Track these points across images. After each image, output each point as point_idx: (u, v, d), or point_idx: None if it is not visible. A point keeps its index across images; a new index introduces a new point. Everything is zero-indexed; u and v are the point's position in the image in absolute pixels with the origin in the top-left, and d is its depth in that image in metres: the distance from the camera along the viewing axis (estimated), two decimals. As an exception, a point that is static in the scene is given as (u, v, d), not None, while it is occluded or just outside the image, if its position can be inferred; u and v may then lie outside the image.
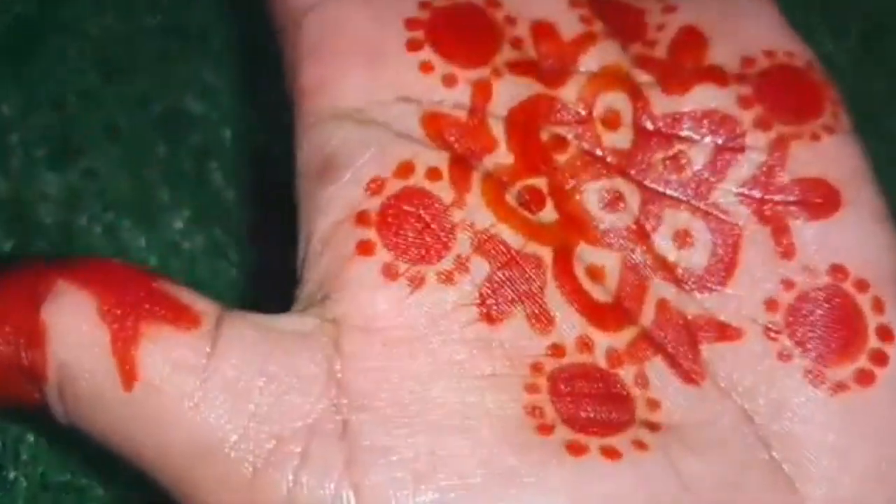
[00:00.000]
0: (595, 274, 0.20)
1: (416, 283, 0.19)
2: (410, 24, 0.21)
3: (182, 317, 0.18)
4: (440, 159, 0.20)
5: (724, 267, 0.20)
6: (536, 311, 0.19)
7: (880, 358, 0.19)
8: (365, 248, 0.19)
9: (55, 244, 0.28)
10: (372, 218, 0.19)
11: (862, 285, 0.20)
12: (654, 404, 0.19)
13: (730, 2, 0.23)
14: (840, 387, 0.19)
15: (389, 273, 0.19)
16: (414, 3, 0.21)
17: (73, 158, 0.30)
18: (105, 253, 0.28)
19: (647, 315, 0.20)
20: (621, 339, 0.19)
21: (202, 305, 0.18)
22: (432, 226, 0.19)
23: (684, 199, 0.21)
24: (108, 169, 0.30)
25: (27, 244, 0.28)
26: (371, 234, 0.19)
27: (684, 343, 0.19)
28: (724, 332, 0.20)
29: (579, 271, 0.20)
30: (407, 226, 0.19)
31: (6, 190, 0.29)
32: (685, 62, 0.22)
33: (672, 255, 0.20)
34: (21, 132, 0.30)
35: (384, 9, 0.21)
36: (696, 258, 0.20)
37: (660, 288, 0.20)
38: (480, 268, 0.19)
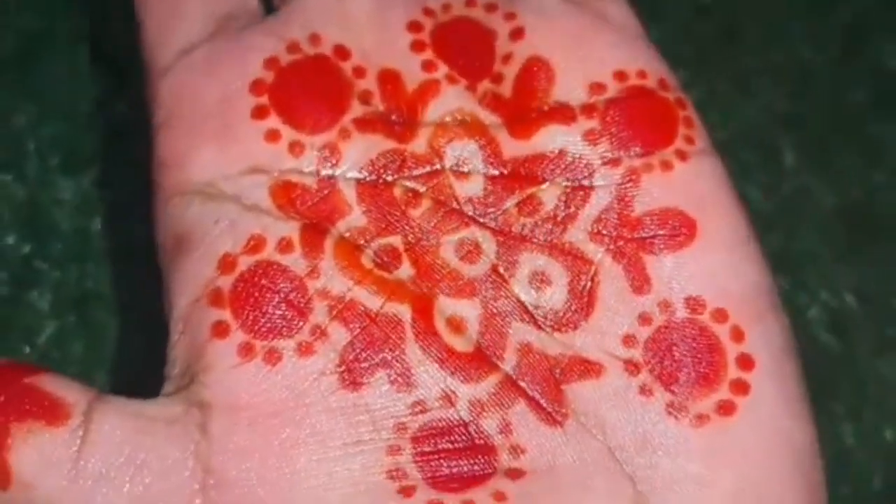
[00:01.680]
0: (456, 325, 0.20)
1: (274, 358, 0.19)
2: (255, 87, 0.20)
3: (52, 412, 0.18)
4: (291, 230, 0.20)
5: (582, 305, 0.20)
6: (398, 371, 0.19)
7: (741, 387, 0.19)
8: (220, 329, 0.19)
9: (72, 247, 0.29)
10: (225, 297, 0.19)
11: (720, 315, 0.20)
12: (518, 450, 0.19)
13: (586, 21, 0.22)
14: (702, 419, 0.19)
15: (246, 352, 0.19)
16: (259, 62, 0.21)
17: (86, 165, 0.30)
18: (120, 256, 0.29)
19: (510, 360, 0.19)
20: (484, 387, 0.19)
21: (74, 396, 0.18)
22: (286, 299, 0.19)
23: (539, 241, 0.20)
24: (121, 175, 0.30)
25: (44, 247, 0.29)
26: (225, 314, 0.19)
27: (547, 384, 0.19)
28: (586, 369, 0.19)
29: (440, 324, 0.20)
30: (260, 302, 0.19)
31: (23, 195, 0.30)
32: (531, 101, 0.21)
33: (530, 297, 0.20)
34: (35, 140, 0.31)
35: (230, 73, 0.21)
36: (554, 298, 0.20)
37: (521, 332, 0.20)
38: (340, 335, 0.19)
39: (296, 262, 0.19)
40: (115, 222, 0.30)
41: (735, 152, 0.28)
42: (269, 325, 0.19)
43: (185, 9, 0.22)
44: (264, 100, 0.20)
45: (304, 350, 0.19)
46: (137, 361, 0.28)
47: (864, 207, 0.33)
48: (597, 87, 0.21)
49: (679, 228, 0.20)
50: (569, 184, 0.21)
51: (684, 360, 0.19)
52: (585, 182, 0.21)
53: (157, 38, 0.22)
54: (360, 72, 0.21)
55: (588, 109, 0.21)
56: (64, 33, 0.32)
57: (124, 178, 0.29)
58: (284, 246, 0.19)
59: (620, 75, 0.21)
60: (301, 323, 0.19)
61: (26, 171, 0.30)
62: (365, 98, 0.21)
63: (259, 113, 0.20)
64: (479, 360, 0.19)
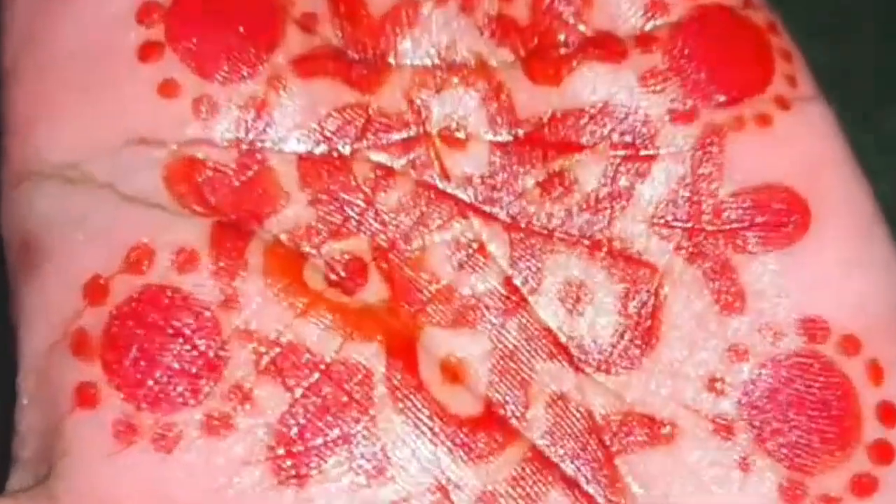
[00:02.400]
0: (453, 372, 0.15)
1: (170, 442, 0.14)
2: (143, 12, 0.15)
3: None
4: (196, 233, 0.15)
5: (641, 333, 0.15)
6: (365, 453, 0.14)
7: (884, 452, 0.15)
8: (86, 394, 0.14)
9: None
10: (93, 342, 0.14)
11: (850, 345, 0.15)
12: None
13: None
14: (829, 502, 0.15)
15: (126, 433, 0.14)
16: None
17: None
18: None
19: (537, 423, 0.15)
20: (499, 469, 0.15)
21: None
22: (189, 345, 0.14)
23: (573, 238, 0.16)
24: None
25: None
26: (94, 370, 0.14)
27: (594, 458, 0.15)
28: (651, 432, 0.15)
29: (428, 373, 0.15)
30: (147, 352, 0.14)
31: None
32: (559, 27, 0.16)
33: (562, 322, 0.15)
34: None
35: None
36: (598, 324, 0.15)
37: (550, 376, 0.15)
38: (274, 399, 0.14)
39: (204, 283, 0.15)
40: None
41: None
42: (161, 388, 0.14)
43: None
44: (157, 32, 0.15)
45: (218, 426, 0.14)
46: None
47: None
48: (657, 6, 0.16)
49: (786, 214, 0.16)
50: (618, 152, 0.16)
51: (800, 414, 0.15)
52: (643, 148, 0.16)
53: None
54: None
55: (645, 40, 0.16)
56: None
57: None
58: (186, 258, 0.15)
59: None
60: (212, 383, 0.14)
61: None
62: (307, 23, 0.16)
63: (147, 52, 0.15)
64: (491, 426, 0.15)
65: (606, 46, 0.16)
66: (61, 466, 0.14)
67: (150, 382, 0.14)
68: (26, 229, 0.15)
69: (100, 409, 0.14)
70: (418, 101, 0.16)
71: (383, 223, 0.15)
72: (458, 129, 0.16)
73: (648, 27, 0.17)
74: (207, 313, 0.14)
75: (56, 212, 0.15)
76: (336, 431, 0.14)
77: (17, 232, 0.16)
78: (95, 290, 0.14)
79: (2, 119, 0.17)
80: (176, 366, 0.14)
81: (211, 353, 0.14)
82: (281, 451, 0.14)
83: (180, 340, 0.14)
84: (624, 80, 0.16)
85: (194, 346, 0.14)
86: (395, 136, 0.16)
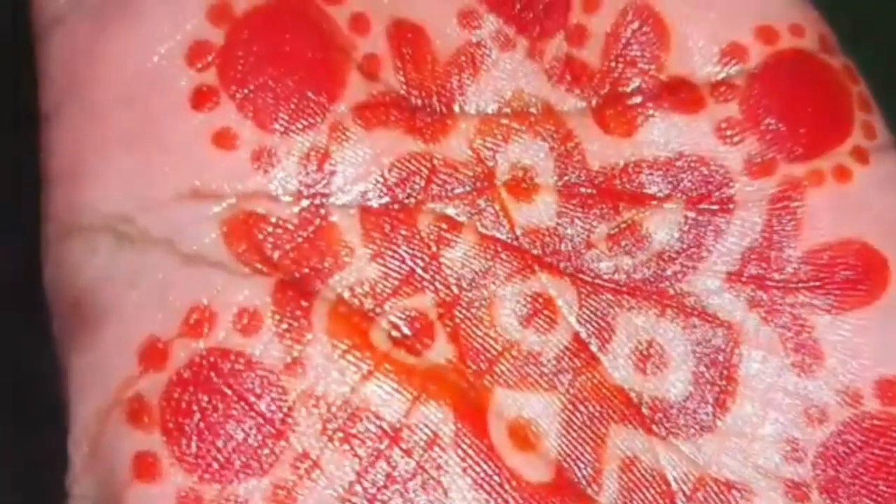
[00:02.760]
0: (523, 437, 0.15)
1: None
2: (195, 53, 0.15)
3: None
4: (259, 292, 0.14)
5: (717, 394, 0.15)
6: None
7: None
8: (145, 466, 0.14)
9: None
10: (152, 411, 0.14)
11: None
12: None
13: None
14: None
15: None
16: (200, 11, 0.15)
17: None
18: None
19: (608, 488, 0.15)
20: None
21: None
22: (253, 413, 0.14)
23: (644, 293, 0.15)
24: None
25: None
26: (154, 440, 0.14)
27: None
28: (724, 497, 0.15)
29: (498, 436, 0.14)
30: (211, 420, 0.14)
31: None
32: (632, 73, 0.16)
33: (634, 382, 0.15)
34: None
35: (154, 28, 0.15)
36: (672, 384, 0.15)
37: (621, 438, 0.15)
38: (341, 468, 0.14)
39: (267, 346, 0.14)
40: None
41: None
42: (225, 458, 0.14)
43: None
44: (210, 75, 0.15)
45: (284, 496, 0.14)
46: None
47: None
48: (734, 52, 0.16)
49: (864, 273, 0.16)
50: (694, 202, 0.15)
51: (877, 478, 0.15)
52: (719, 202, 0.16)
53: None
54: (361, 23, 0.16)
55: (721, 88, 0.16)
56: None
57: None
58: (248, 321, 0.14)
59: (767, 33, 0.16)
60: (276, 456, 0.14)
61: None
62: (370, 68, 0.15)
63: (200, 99, 0.15)
64: (563, 492, 0.15)
65: (682, 95, 0.16)
66: None
67: (214, 452, 0.14)
68: (77, 287, 0.15)
69: (162, 481, 0.14)
70: (484, 151, 0.15)
71: (448, 278, 0.15)
72: (525, 180, 0.16)
73: (724, 74, 0.16)
74: (272, 377, 0.14)
75: (108, 269, 0.15)
76: (408, 496, 0.14)
77: (65, 290, 0.16)
78: (153, 355, 0.14)
79: (41, 168, 0.17)
80: (240, 434, 0.14)
81: (276, 420, 0.13)
82: None
83: (244, 407, 0.14)
84: (699, 131, 0.16)
85: (259, 413, 0.14)
86: (460, 188, 0.15)
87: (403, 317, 0.15)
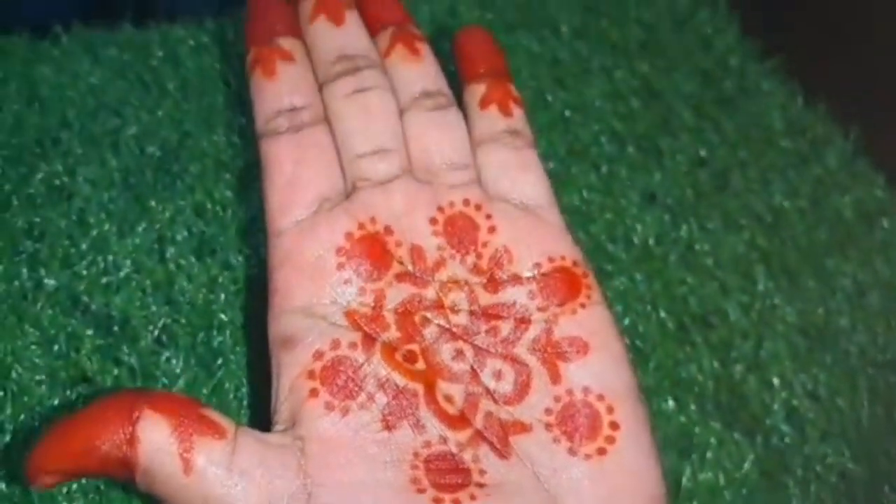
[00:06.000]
0: (449, 399, 0.29)
1: (344, 412, 0.27)
2: (339, 251, 0.30)
3: (217, 431, 0.26)
4: (356, 337, 0.29)
5: (522, 391, 0.29)
6: (414, 423, 0.28)
7: (611, 440, 0.28)
8: (313, 393, 0.28)
9: (197, 321, 0.35)
10: (317, 374, 0.28)
11: (601, 398, 0.29)
12: (482, 473, 0.27)
13: (531, 220, 0.31)
14: (588, 457, 0.28)
15: (329, 407, 0.28)
16: (341, 234, 0.30)
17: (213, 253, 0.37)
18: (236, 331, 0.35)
19: (479, 421, 0.28)
20: (464, 435, 0.28)
21: (227, 423, 0.26)
22: (352, 377, 0.28)
23: (498, 352, 0.30)
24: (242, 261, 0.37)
25: (178, 317, 0.36)
26: (317, 384, 0.28)
27: (500, 436, 0.28)
28: (522, 428, 0.28)
29: (440, 398, 0.29)
30: (338, 378, 0.28)
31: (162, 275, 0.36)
32: (498, 271, 0.31)
33: (492, 385, 0.29)
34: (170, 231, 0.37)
35: (324, 240, 0.30)
36: (505, 386, 0.29)
37: (486, 405, 0.29)
38: (381, 399, 0.28)
39: (358, 356, 0.29)
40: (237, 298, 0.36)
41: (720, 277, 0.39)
42: (342, 391, 0.28)
43: (300, 195, 0.31)
44: (343, 259, 0.30)
45: (362, 406, 0.28)
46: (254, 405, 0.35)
47: (820, 325, 0.40)
48: (537, 265, 0.31)
49: (580, 347, 0.30)
50: (517, 319, 0.30)
51: (579, 423, 0.28)
52: (526, 319, 0.30)
53: (277, 212, 0.31)
54: (398, 244, 0.31)
55: (530, 279, 0.31)
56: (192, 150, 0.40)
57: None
58: (352, 346, 0.29)
59: (551, 259, 0.31)
60: (360, 392, 0.28)
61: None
62: (401, 262, 0.31)
63: (340, 267, 0.30)
64: (463, 420, 0.28)
65: (516, 280, 0.31)
66: (301, 422, 0.28)
67: (338, 389, 0.29)
68: (286, 334, 0.30)
69: (318, 398, 0.28)
70: (442, 294, 0.30)
71: (424, 340, 0.30)
72: (456, 307, 0.31)
73: (533, 273, 0.31)
74: (359, 366, 0.30)
75: (302, 326, 0.30)
76: (405, 410, 0.28)
77: (279, 335, 0.29)
78: (318, 355, 0.29)
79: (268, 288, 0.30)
80: (348, 384, 0.29)
81: (360, 381, 0.29)
82: (383, 419, 0.28)
83: (348, 374, 0.29)
84: (522, 294, 0.32)
85: (354, 377, 0.30)
86: (431, 307, 0.30)
87: (407, 351, 0.30)
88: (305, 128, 0.31)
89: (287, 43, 0.33)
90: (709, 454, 0.36)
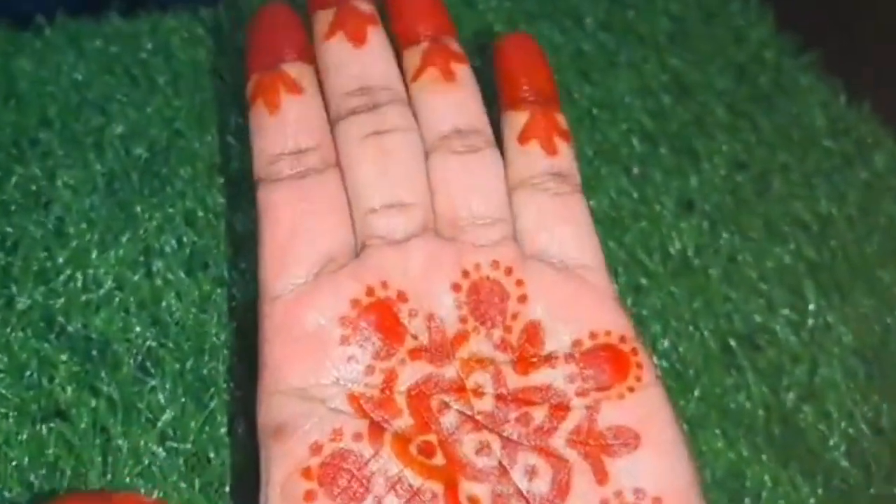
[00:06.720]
0: (474, 502, 0.25)
1: None
2: (343, 321, 0.26)
3: None
4: (361, 426, 0.25)
5: (561, 492, 0.25)
6: None
7: None
8: (310, 496, 0.25)
9: (186, 344, 0.34)
10: (314, 473, 0.25)
11: (658, 502, 0.25)
12: None
13: (572, 285, 0.27)
14: None
15: None
16: (346, 302, 0.26)
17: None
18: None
19: None
20: None
21: None
22: (357, 476, 0.25)
23: (531, 444, 0.26)
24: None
25: (165, 340, 0.34)
26: (314, 486, 0.25)
27: None
28: None
29: (463, 500, 0.25)
30: (339, 478, 0.25)
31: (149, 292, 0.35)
32: (531, 349, 0.27)
33: (524, 484, 0.26)
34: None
35: (325, 307, 0.26)
36: (541, 486, 0.26)
37: None
38: (393, 503, 0.25)
39: (364, 449, 0.25)
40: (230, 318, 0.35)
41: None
42: (345, 494, 0.25)
43: (301, 253, 0.27)
44: (348, 331, 0.26)
45: None
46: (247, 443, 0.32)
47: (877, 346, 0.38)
48: (577, 343, 0.27)
49: (628, 439, 0.26)
50: (553, 405, 0.26)
51: None
52: (563, 405, 0.26)
53: (272, 273, 0.27)
54: (413, 313, 0.27)
55: (568, 358, 0.27)
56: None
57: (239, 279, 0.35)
58: (357, 437, 0.25)
59: (593, 334, 0.27)
60: (366, 494, 0.25)
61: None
62: (416, 336, 0.27)
63: (344, 340, 0.26)
64: None
65: (551, 360, 0.28)
66: None
67: (339, 490, 0.25)
68: (279, 420, 0.26)
69: (316, 501, 0.25)
70: (464, 375, 0.27)
71: (443, 429, 0.27)
72: (480, 389, 0.28)
73: (572, 352, 0.28)
74: (365, 462, 0.26)
75: (297, 412, 0.27)
76: None
77: (271, 421, 0.26)
78: (315, 449, 0.26)
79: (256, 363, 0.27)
80: (351, 485, 0.25)
81: (366, 480, 0.26)
82: None
83: (352, 472, 0.26)
84: (558, 376, 0.28)
85: (357, 476, 0.26)
86: (451, 390, 0.27)
87: (423, 443, 0.27)
88: (311, 174, 0.28)
89: (294, 70, 0.28)
90: (764, 495, 0.33)
